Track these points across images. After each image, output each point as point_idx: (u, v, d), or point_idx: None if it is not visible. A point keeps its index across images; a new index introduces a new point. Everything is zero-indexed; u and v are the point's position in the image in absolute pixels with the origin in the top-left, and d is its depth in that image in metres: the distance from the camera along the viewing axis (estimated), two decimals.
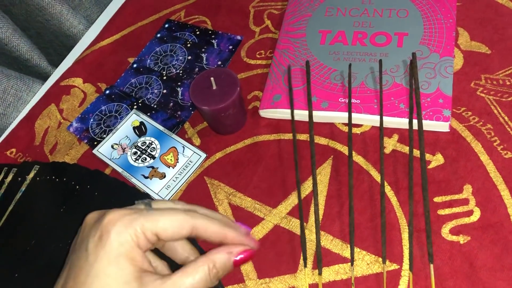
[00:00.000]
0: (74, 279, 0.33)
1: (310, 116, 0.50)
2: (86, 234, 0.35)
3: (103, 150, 0.55)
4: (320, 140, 0.51)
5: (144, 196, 0.51)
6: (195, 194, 0.51)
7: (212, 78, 0.50)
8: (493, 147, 0.47)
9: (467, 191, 0.45)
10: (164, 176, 0.52)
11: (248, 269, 0.45)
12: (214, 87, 0.50)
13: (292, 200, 0.48)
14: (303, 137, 0.52)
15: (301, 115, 0.52)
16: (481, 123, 0.48)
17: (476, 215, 0.43)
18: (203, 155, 0.53)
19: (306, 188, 0.49)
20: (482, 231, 0.42)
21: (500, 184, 0.44)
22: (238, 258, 0.37)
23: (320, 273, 0.43)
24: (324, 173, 0.49)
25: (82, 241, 0.35)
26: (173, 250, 0.38)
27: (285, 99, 0.53)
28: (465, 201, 0.44)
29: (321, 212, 0.47)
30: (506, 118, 0.48)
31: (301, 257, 0.45)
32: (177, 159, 0.53)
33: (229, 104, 0.49)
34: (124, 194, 0.52)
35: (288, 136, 0.53)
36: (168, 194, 0.51)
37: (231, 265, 0.37)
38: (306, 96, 0.52)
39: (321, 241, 0.45)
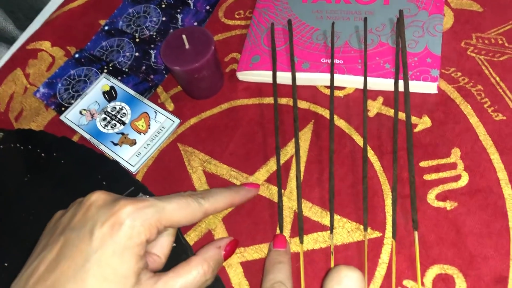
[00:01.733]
0: (70, 259, 0.31)
1: (293, 78, 0.47)
2: (92, 215, 0.33)
3: (71, 116, 0.52)
4: (301, 104, 0.48)
5: (113, 164, 0.48)
6: (167, 162, 0.48)
7: (184, 36, 0.46)
8: (483, 109, 0.44)
9: (455, 155, 0.42)
10: (135, 143, 0.49)
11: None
12: (187, 47, 0.47)
13: (270, 167, 0.45)
14: (283, 101, 0.49)
15: (282, 77, 0.49)
16: (471, 84, 0.45)
17: (464, 180, 0.41)
18: (177, 121, 0.50)
19: (285, 154, 0.46)
20: (470, 196, 0.40)
21: (490, 148, 0.42)
22: (226, 251, 0.38)
23: (301, 242, 0.40)
24: (304, 138, 0.46)
25: (86, 221, 0.33)
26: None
27: (264, 60, 0.49)
28: (453, 166, 0.42)
29: (300, 178, 0.44)
30: (497, 78, 0.45)
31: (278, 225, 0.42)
32: (149, 125, 0.50)
33: (203, 64, 0.46)
34: (92, 162, 0.49)
35: (268, 100, 0.49)
36: (138, 162, 0.48)
37: (222, 260, 0.38)
38: (287, 57, 0.49)
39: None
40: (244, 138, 0.47)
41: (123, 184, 0.46)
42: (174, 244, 0.41)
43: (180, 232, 0.42)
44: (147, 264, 0.33)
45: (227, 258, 0.38)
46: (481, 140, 0.42)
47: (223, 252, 0.38)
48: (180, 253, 0.41)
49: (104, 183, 0.47)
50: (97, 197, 0.34)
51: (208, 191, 0.39)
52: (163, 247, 0.37)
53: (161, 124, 0.50)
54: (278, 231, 0.42)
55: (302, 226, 0.41)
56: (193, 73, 0.46)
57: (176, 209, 0.35)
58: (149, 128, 0.50)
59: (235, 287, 0.40)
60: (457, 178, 0.41)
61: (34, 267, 0.32)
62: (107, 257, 0.31)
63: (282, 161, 0.45)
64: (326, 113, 0.47)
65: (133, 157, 0.48)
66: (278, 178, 0.44)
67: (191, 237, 0.43)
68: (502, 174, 0.40)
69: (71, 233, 0.33)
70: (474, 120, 0.43)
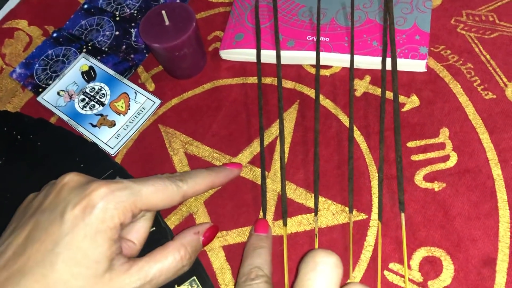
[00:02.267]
0: (39, 242, 0.30)
1: (278, 56, 0.45)
2: (64, 197, 0.31)
3: (48, 98, 0.50)
4: (286, 84, 0.47)
5: (92, 146, 0.46)
6: (147, 144, 0.46)
7: (164, 12, 0.44)
8: (473, 88, 0.42)
9: (443, 135, 0.41)
10: (114, 124, 0.47)
11: (203, 221, 0.41)
12: (167, 23, 0.45)
13: (254, 148, 0.44)
14: (268, 80, 0.47)
15: (266, 55, 0.47)
16: (461, 62, 0.44)
17: (452, 161, 0.39)
18: (158, 101, 0.48)
19: (269, 135, 0.44)
20: (459, 177, 0.39)
21: (480, 127, 0.41)
22: (205, 237, 0.37)
23: (285, 224, 0.39)
24: (289, 118, 0.45)
25: (57, 203, 0.31)
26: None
27: (248, 38, 0.48)
28: (441, 146, 0.40)
29: (285, 160, 0.42)
30: (488, 56, 0.44)
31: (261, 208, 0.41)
32: (129, 106, 0.48)
33: (184, 41, 0.44)
34: (70, 144, 0.47)
35: (252, 80, 0.48)
36: (117, 144, 0.46)
37: (200, 246, 0.36)
38: (272, 34, 0.47)
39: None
40: (227, 119, 0.46)
41: (101, 167, 0.44)
42: (154, 228, 0.40)
43: (160, 216, 0.41)
44: (120, 249, 0.32)
45: (206, 244, 0.37)
46: (470, 119, 0.41)
47: (201, 238, 0.36)
48: (160, 237, 0.39)
49: (82, 165, 0.45)
50: (70, 179, 0.33)
51: (187, 173, 0.37)
52: (139, 232, 0.35)
53: (141, 105, 0.48)
54: (261, 214, 0.40)
55: (286, 209, 0.40)
56: (173, 51, 0.45)
57: (153, 192, 0.33)
58: (129, 109, 0.48)
59: (217, 272, 0.39)
60: (446, 158, 0.40)
61: (1, 251, 0.31)
62: (78, 240, 0.30)
63: (266, 143, 0.44)
64: (311, 93, 0.46)
65: (112, 139, 0.46)
66: (262, 160, 0.42)
67: (172, 221, 0.41)
68: (491, 154, 0.39)
69: (42, 216, 0.31)
70: (463, 99, 0.42)
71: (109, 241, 0.30)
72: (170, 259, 0.33)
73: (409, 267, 0.36)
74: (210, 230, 0.37)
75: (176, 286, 0.38)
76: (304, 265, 0.29)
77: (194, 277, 0.38)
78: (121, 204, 0.31)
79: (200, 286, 0.38)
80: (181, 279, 0.38)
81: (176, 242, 0.34)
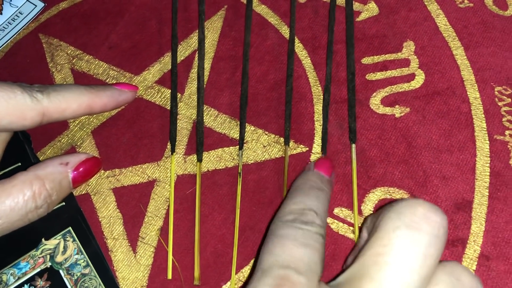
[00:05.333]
0: None
1: None
2: None
3: None
4: None
5: None
6: (23, 57, 0.34)
7: None
8: None
9: (408, 49, 0.32)
10: None
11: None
12: None
13: (165, 64, 0.33)
14: None
15: None
16: None
17: (418, 80, 0.31)
18: (40, 5, 0.36)
19: (187, 48, 0.34)
20: (426, 100, 0.30)
21: (453, 41, 0.32)
22: (78, 172, 0.26)
23: (199, 159, 0.29)
24: (212, 28, 0.34)
25: None
26: None
27: None
28: (405, 62, 0.31)
29: (205, 79, 0.32)
30: None
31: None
32: (1, 10, 0.36)
33: None
34: None
35: None
36: None
37: (69, 183, 0.26)
38: None
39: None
40: (131, 27, 0.35)
41: None
42: (19, 164, 0.29)
43: (30, 148, 0.30)
44: None
45: (79, 182, 0.26)
46: (441, 31, 0.32)
47: (70, 172, 0.25)
48: None
49: None
50: None
51: (52, 86, 0.26)
52: None
53: (18, 9, 0.36)
54: (169, 147, 0.30)
55: (202, 140, 0.29)
56: None
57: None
58: (1, 13, 0.36)
59: (103, 222, 0.28)
60: (410, 77, 0.31)
61: None
62: None
63: (182, 57, 0.33)
64: None
65: None
66: (173, 76, 0.32)
67: (47, 155, 0.30)
68: (467, 73, 0.31)
69: None
70: (433, 7, 0.33)
71: None
72: (15, 196, 0.22)
73: (359, 213, 0.27)
74: (87, 163, 0.26)
75: (43, 240, 0.27)
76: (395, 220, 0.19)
77: (70, 228, 0.28)
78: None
79: (77, 239, 0.27)
80: (51, 230, 0.27)
81: (29, 173, 0.24)
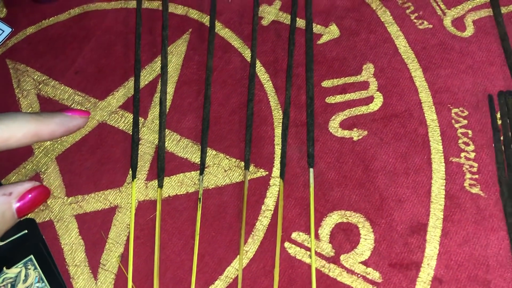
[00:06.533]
0: None
1: None
2: None
3: None
4: (176, 9, 0.36)
5: None
6: None
7: None
8: (405, 16, 0.34)
9: (367, 71, 0.32)
10: None
11: (53, 183, 0.30)
12: None
13: (129, 89, 0.34)
14: (154, 5, 0.37)
15: None
16: None
17: (377, 103, 0.31)
18: (8, 30, 0.36)
19: (151, 72, 0.34)
20: (384, 123, 0.30)
21: (412, 62, 0.32)
22: (23, 202, 0.25)
23: (160, 185, 0.29)
24: (176, 52, 0.35)
25: None
26: None
27: None
28: (364, 85, 0.32)
29: (168, 104, 0.33)
30: None
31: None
32: None
33: None
34: None
35: (133, 3, 0.37)
36: None
37: (13, 214, 0.25)
38: None
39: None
40: (97, 52, 0.35)
41: None
42: None
43: None
44: None
45: (24, 213, 0.25)
46: (400, 53, 0.33)
47: (13, 202, 0.25)
48: None
49: None
50: None
51: None
52: None
53: None
54: (131, 173, 0.30)
55: (163, 166, 0.30)
56: None
57: None
58: None
59: (65, 249, 0.28)
60: (369, 100, 0.31)
61: None
62: None
63: (146, 81, 0.34)
64: (208, 21, 0.36)
65: None
66: (135, 102, 0.32)
67: (12, 182, 0.31)
68: (425, 95, 0.31)
69: None
70: (393, 29, 0.34)
71: None
72: None
73: (316, 237, 0.27)
74: (33, 192, 0.25)
75: (4, 268, 0.28)
76: None
77: (32, 256, 0.28)
78: None
79: (38, 267, 0.28)
80: (13, 258, 0.28)
81: None
